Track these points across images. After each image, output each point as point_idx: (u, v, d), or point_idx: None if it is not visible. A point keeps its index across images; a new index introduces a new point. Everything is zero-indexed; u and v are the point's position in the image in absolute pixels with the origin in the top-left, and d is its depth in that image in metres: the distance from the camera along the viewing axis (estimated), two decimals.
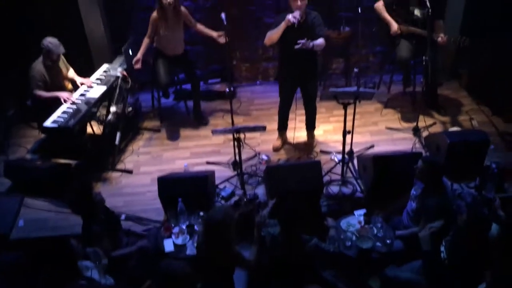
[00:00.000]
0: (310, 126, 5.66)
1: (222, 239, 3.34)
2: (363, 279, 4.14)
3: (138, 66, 5.65)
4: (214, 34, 5.65)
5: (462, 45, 5.26)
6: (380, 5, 5.74)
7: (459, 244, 3.47)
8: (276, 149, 5.70)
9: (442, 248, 3.59)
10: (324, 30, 5.04)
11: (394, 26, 5.62)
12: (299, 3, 4.72)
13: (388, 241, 3.99)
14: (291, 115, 5.69)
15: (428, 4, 5.14)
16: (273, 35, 4.91)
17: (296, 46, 4.71)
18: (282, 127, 5.70)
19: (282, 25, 4.81)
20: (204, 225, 3.47)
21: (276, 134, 5.80)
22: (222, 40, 5.52)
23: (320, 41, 4.89)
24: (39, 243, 4.24)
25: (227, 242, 3.37)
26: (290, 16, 4.72)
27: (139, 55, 5.65)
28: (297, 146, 5.71)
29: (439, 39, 5.35)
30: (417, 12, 5.57)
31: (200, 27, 5.81)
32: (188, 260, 3.93)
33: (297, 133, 5.86)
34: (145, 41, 5.72)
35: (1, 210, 4.72)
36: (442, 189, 3.98)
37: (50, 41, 5.14)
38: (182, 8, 5.69)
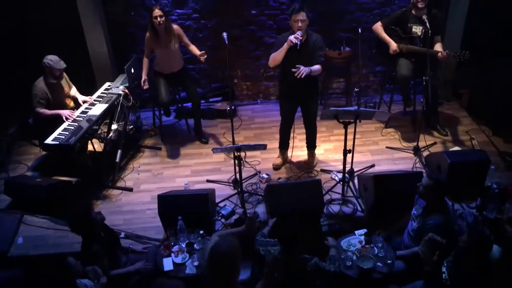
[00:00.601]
0: (311, 145, 5.67)
1: (227, 272, 3.22)
2: None
3: (146, 86, 5.76)
4: (197, 53, 5.68)
5: (463, 60, 5.28)
6: (378, 26, 5.80)
7: (460, 264, 3.44)
8: (276, 168, 5.70)
9: (444, 269, 3.56)
10: (324, 53, 5.09)
11: (393, 45, 5.67)
12: (300, 24, 4.77)
13: (389, 261, 3.97)
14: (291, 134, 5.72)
15: (427, 24, 5.20)
16: (276, 57, 4.96)
17: (296, 74, 4.75)
18: (283, 146, 5.71)
19: (285, 47, 4.85)
20: (209, 258, 3.31)
21: (277, 153, 5.80)
22: (202, 58, 5.59)
23: (317, 67, 4.92)
24: (38, 260, 4.22)
25: (232, 276, 3.26)
26: (292, 37, 4.77)
27: (144, 75, 5.73)
28: (298, 165, 5.71)
29: (439, 54, 5.39)
30: (415, 29, 5.63)
31: (191, 47, 5.85)
32: (186, 280, 3.93)
33: (298, 152, 5.88)
34: (145, 61, 5.81)
35: (0, 227, 4.71)
36: (444, 208, 3.96)
37: (51, 59, 5.19)
38: (175, 27, 5.75)
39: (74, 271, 3.65)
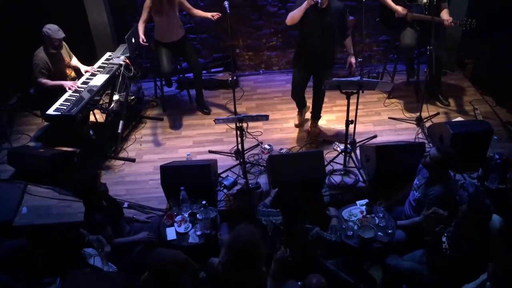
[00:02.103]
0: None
1: (252, 263, 2.95)
2: (364, 268, 4.17)
3: (145, 42, 5.59)
4: (208, 15, 5.61)
5: (469, 28, 5.20)
6: None
7: (460, 234, 3.47)
8: (297, 126, 5.81)
9: (444, 238, 3.59)
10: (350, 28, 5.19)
11: (399, 9, 5.58)
12: None
13: (389, 231, 4.00)
14: (294, 105, 5.72)
15: None
16: (294, 14, 4.91)
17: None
18: (301, 106, 5.76)
19: (304, 5, 4.80)
20: (229, 249, 2.97)
21: (279, 123, 5.83)
22: (216, 16, 5.53)
23: (350, 41, 5.18)
24: (43, 230, 4.26)
25: (257, 266, 3.00)
26: None
27: (141, 35, 5.59)
28: (300, 136, 5.71)
29: (445, 22, 5.31)
30: None
31: (196, 11, 5.77)
32: (189, 249, 3.98)
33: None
34: (141, 25, 5.65)
35: (5, 197, 4.75)
36: (446, 179, 3.96)
37: (49, 27, 5.14)
38: None
39: (83, 242, 3.70)
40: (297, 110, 5.85)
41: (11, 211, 4.62)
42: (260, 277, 3.10)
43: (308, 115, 5.83)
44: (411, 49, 5.78)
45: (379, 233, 3.99)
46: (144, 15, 5.65)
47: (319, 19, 4.87)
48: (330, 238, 3.80)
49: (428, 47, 5.15)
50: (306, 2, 4.78)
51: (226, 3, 4.88)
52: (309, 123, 5.76)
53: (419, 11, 5.55)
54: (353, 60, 5.17)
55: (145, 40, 5.58)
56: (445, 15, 5.42)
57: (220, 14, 5.46)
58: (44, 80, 5.22)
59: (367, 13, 5.61)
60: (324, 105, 5.89)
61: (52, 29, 5.14)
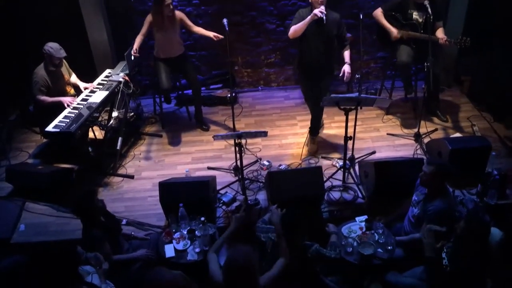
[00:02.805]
0: (314, 130, 5.68)
1: (247, 284, 3.04)
2: (364, 285, 4.13)
3: (136, 53, 5.58)
4: (211, 34, 5.66)
5: (464, 46, 5.25)
6: (378, 12, 5.77)
7: (460, 250, 3.45)
8: (313, 153, 5.72)
9: (444, 255, 3.57)
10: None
11: (394, 31, 5.65)
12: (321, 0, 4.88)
13: (389, 247, 3.98)
14: (292, 121, 5.72)
15: (429, 10, 5.16)
16: (297, 28, 5.00)
17: (321, 10, 4.84)
18: (315, 132, 5.75)
19: (308, 19, 4.92)
20: (225, 271, 3.07)
21: (277, 139, 5.87)
22: (217, 38, 5.56)
23: (348, 52, 5.22)
24: (41, 247, 4.23)
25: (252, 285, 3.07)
26: (317, 11, 4.83)
27: (135, 46, 5.57)
28: (299, 152, 5.72)
29: (440, 41, 5.36)
30: (415, 15, 5.60)
31: (198, 29, 5.82)
32: (188, 266, 3.95)
33: (299, 138, 5.89)
34: (138, 37, 5.67)
35: (3, 215, 4.72)
36: (445, 194, 3.96)
37: (51, 46, 5.17)
38: (177, 12, 5.72)
39: (80, 260, 3.67)
40: (311, 140, 5.81)
41: (9, 228, 4.58)
42: None
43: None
44: (407, 66, 5.83)
45: (379, 250, 3.98)
46: (143, 29, 5.68)
47: (318, 31, 4.97)
48: (330, 254, 3.77)
49: (425, 64, 5.19)
50: (310, 16, 4.88)
51: (225, 20, 4.93)
52: (307, 139, 5.77)
53: (415, 30, 5.61)
54: (347, 68, 5.14)
55: (136, 51, 5.56)
56: (440, 34, 5.49)
57: (223, 37, 5.45)
58: (43, 97, 5.24)
59: (365, 30, 5.64)
60: (323, 121, 5.94)
61: (54, 48, 5.17)
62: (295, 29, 5.02)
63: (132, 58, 5.54)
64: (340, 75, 5.18)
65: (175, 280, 3.00)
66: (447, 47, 5.50)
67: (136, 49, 5.57)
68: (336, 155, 5.57)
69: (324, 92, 5.32)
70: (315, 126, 5.65)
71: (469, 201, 4.64)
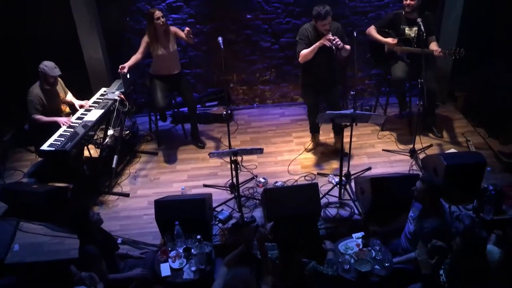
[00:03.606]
0: (339, 130, 5.62)
1: None
2: None
3: (123, 70, 5.56)
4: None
5: (458, 56, 5.29)
6: (371, 29, 5.84)
7: (457, 266, 3.44)
8: (309, 150, 5.96)
9: (441, 271, 3.56)
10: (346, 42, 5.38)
11: (389, 40, 5.70)
12: (327, 26, 5.10)
13: (386, 264, 3.96)
14: (288, 138, 5.72)
15: (422, 28, 5.22)
16: (307, 55, 5.23)
17: (330, 39, 5.05)
18: (314, 130, 5.95)
19: (317, 45, 5.15)
20: None
21: (273, 157, 5.88)
22: (187, 33, 5.52)
23: (347, 46, 5.29)
24: (35, 267, 4.20)
25: None
26: (326, 41, 5.07)
27: (125, 64, 5.59)
28: (295, 169, 5.72)
29: (435, 52, 5.41)
30: (408, 31, 5.66)
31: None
32: (184, 285, 3.91)
33: (296, 155, 5.90)
34: (133, 56, 5.69)
35: None
36: (440, 211, 3.96)
37: (46, 65, 5.18)
38: (171, 27, 5.77)
39: (74, 280, 3.64)
40: (311, 138, 6.06)
41: (3, 248, 4.54)
42: None
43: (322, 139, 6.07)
44: (402, 82, 5.87)
45: (376, 266, 3.95)
46: (140, 49, 5.71)
47: (323, 48, 5.14)
48: (327, 272, 3.75)
49: (419, 80, 5.23)
50: (319, 43, 5.12)
51: (220, 39, 4.97)
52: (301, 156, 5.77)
53: (408, 45, 5.67)
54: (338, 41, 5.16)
55: (124, 69, 5.55)
56: (434, 46, 5.54)
57: (189, 30, 5.50)
58: (38, 116, 5.23)
59: (359, 47, 5.71)
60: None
61: (49, 66, 5.18)
62: (305, 55, 5.24)
63: (120, 72, 5.53)
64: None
65: None
66: (441, 58, 5.54)
67: (125, 67, 5.57)
68: (332, 172, 5.57)
69: (335, 100, 5.56)
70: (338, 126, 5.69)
71: (466, 216, 4.61)
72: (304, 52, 5.22)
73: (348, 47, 5.28)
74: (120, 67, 5.56)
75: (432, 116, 6.13)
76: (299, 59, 5.29)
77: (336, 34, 5.17)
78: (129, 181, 5.69)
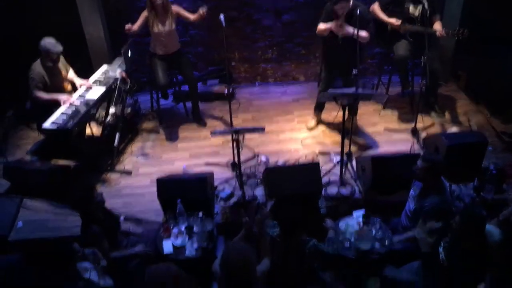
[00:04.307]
0: (354, 111, 5.76)
1: (246, 281, 3.07)
2: (362, 280, 4.16)
3: (129, 28, 5.51)
4: (198, 14, 5.57)
5: (462, 37, 5.24)
6: (375, 7, 5.77)
7: (456, 245, 3.47)
8: (311, 129, 5.96)
9: (441, 250, 3.59)
10: (370, 27, 5.33)
11: (393, 21, 5.65)
12: (339, 11, 5.05)
13: (386, 242, 4.00)
14: (290, 116, 5.70)
15: (425, 5, 5.16)
16: (321, 31, 5.27)
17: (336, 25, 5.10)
18: (319, 109, 5.97)
19: (327, 27, 5.18)
20: (222, 267, 3.12)
21: (275, 135, 5.88)
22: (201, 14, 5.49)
23: (363, 33, 5.08)
24: (39, 244, 4.24)
25: (250, 282, 3.09)
26: (334, 26, 5.13)
27: (132, 25, 5.55)
28: (297, 148, 5.73)
29: (438, 33, 5.36)
30: (412, 9, 5.60)
31: (195, 16, 5.67)
32: (186, 262, 3.96)
33: (296, 134, 5.90)
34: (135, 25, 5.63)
35: (0, 212, 4.72)
36: (441, 189, 3.98)
37: (48, 41, 5.14)
38: (173, 6, 5.70)
39: (77, 256, 3.69)
40: (313, 115, 6.07)
41: (7, 226, 4.58)
42: (256, 285, 3.14)
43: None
44: (405, 60, 5.83)
45: (376, 245, 3.99)
46: (138, 22, 5.64)
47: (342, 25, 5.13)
48: (327, 250, 3.80)
49: (422, 59, 5.20)
50: (330, 25, 5.12)
51: (221, 16, 4.92)
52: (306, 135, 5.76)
53: (412, 24, 5.61)
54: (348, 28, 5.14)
55: (130, 28, 5.51)
56: (437, 26, 5.49)
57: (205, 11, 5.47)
58: (40, 94, 5.22)
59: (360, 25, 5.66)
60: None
61: (51, 43, 5.14)
62: (319, 30, 5.27)
63: (127, 32, 5.49)
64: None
65: (169, 269, 3.02)
66: (445, 38, 5.49)
67: (130, 27, 5.50)
68: (334, 150, 5.57)
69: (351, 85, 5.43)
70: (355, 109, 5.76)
71: (466, 196, 4.66)
72: (320, 26, 5.23)
73: (364, 34, 5.05)
74: (126, 27, 5.49)
75: (434, 95, 6.11)
76: (317, 31, 5.30)
77: (352, 19, 5.02)
78: (131, 159, 5.71)
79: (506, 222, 3.80)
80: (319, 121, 6.05)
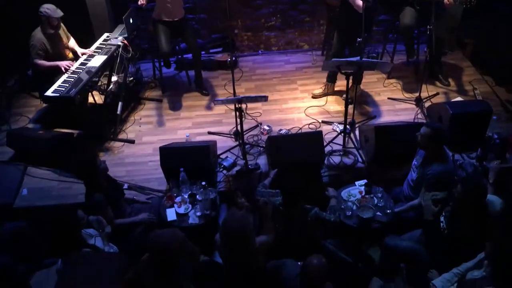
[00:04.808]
0: (358, 80, 5.65)
1: (244, 249, 3.10)
2: (363, 248, 4.20)
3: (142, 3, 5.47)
4: None
5: (469, 5, 5.14)
6: None
7: (457, 214, 3.49)
8: (316, 97, 5.94)
9: (442, 218, 3.61)
10: None
11: None
12: None
13: (388, 211, 4.03)
14: (293, 85, 5.66)
15: None
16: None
17: None
18: (332, 79, 5.88)
19: None
20: (221, 236, 3.18)
21: (277, 104, 5.87)
22: None
23: (359, 1, 4.92)
24: (43, 211, 4.28)
25: (249, 250, 3.13)
26: None
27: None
28: (299, 117, 5.72)
29: (446, 1, 5.26)
30: None
31: None
32: (189, 229, 4.00)
33: (299, 103, 5.88)
34: None
35: (5, 179, 4.75)
36: (443, 159, 3.97)
37: (47, 7, 5.09)
38: None
39: (81, 223, 3.73)
40: (324, 84, 5.99)
41: (12, 193, 4.61)
42: (255, 254, 3.18)
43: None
44: (411, 28, 5.73)
45: (378, 213, 4.02)
46: None
47: None
48: (329, 218, 3.82)
49: (428, 27, 5.11)
50: None
51: None
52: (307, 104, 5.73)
53: None
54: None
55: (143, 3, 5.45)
56: None
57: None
58: (41, 61, 5.19)
59: None
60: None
61: (50, 9, 5.08)
62: None
63: (140, 4, 5.44)
64: None
65: (175, 234, 3.07)
66: (452, 6, 5.39)
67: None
68: (337, 120, 5.55)
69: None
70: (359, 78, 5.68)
71: (469, 165, 4.65)
72: None
73: (358, 2, 4.91)
74: (139, 2, 5.42)
75: (439, 64, 6.04)
76: None
77: None
78: (134, 128, 5.71)
79: (497, 182, 3.83)
80: (328, 93, 5.96)
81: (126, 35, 5.57)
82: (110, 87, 5.71)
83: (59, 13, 5.14)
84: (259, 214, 3.84)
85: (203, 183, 4.28)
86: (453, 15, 6.29)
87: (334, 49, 5.62)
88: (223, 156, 5.14)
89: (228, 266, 3.26)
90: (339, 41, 5.54)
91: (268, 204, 3.72)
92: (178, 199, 4.25)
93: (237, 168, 5.02)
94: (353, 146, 5.17)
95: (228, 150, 5.22)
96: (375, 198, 4.13)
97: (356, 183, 4.34)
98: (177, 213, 4.16)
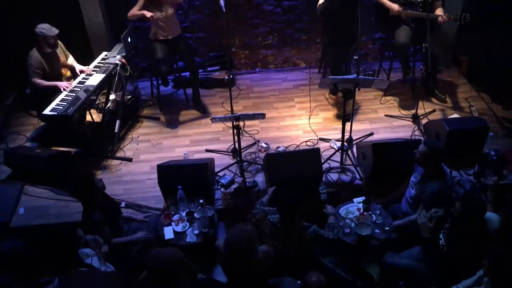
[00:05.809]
0: (348, 95, 5.67)
1: (248, 262, 3.08)
2: (362, 265, 4.18)
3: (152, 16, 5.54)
4: None
5: (464, 22, 5.21)
6: None
7: (456, 231, 3.48)
8: (334, 105, 6.12)
9: (441, 235, 3.60)
10: None
11: (395, 6, 5.60)
12: None
13: (386, 228, 4.01)
14: (290, 103, 5.68)
15: None
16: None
17: None
18: (334, 92, 5.96)
19: None
20: (225, 250, 3.14)
21: (275, 122, 5.88)
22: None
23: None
24: (40, 230, 4.25)
25: (252, 263, 3.11)
26: None
27: (143, 12, 5.55)
28: (297, 134, 5.73)
29: (440, 18, 5.33)
30: None
31: None
32: (187, 248, 3.98)
33: (297, 120, 5.89)
34: (136, 10, 5.61)
35: (1, 198, 4.72)
36: (441, 176, 3.97)
37: (42, 27, 5.12)
38: None
39: (79, 243, 3.70)
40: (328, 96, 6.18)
41: (8, 212, 4.58)
42: (258, 266, 3.16)
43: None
44: (406, 46, 5.80)
45: (376, 230, 4.01)
46: (138, 5, 5.60)
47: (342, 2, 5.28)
48: (328, 235, 3.80)
49: (423, 45, 5.16)
50: None
51: (222, 1, 4.85)
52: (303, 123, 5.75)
53: (414, 10, 5.57)
54: None
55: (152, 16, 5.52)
56: (439, 12, 5.45)
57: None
58: (39, 81, 5.21)
59: (363, 10, 5.61)
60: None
61: (46, 28, 5.12)
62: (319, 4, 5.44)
63: (149, 18, 5.54)
64: None
65: (174, 253, 3.05)
66: (446, 23, 5.46)
67: (146, 13, 5.51)
68: (334, 137, 5.56)
69: (348, 61, 5.57)
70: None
71: (467, 181, 4.66)
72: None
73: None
74: (149, 16, 5.49)
75: (434, 81, 6.08)
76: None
77: None
78: (131, 146, 5.71)
79: (495, 199, 3.83)
80: (336, 102, 6.08)
81: (124, 54, 5.61)
82: (108, 105, 5.72)
83: (55, 30, 5.17)
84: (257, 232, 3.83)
85: (201, 201, 4.26)
86: (448, 33, 6.36)
87: (334, 66, 5.69)
88: (221, 174, 5.13)
89: (230, 275, 3.24)
90: (336, 52, 5.65)
91: (265, 221, 3.71)
92: (175, 217, 4.23)
93: (235, 185, 5.01)
94: (351, 163, 5.18)
95: (226, 168, 5.22)
96: (373, 215, 4.12)
97: (354, 200, 4.33)
98: (174, 231, 4.13)
